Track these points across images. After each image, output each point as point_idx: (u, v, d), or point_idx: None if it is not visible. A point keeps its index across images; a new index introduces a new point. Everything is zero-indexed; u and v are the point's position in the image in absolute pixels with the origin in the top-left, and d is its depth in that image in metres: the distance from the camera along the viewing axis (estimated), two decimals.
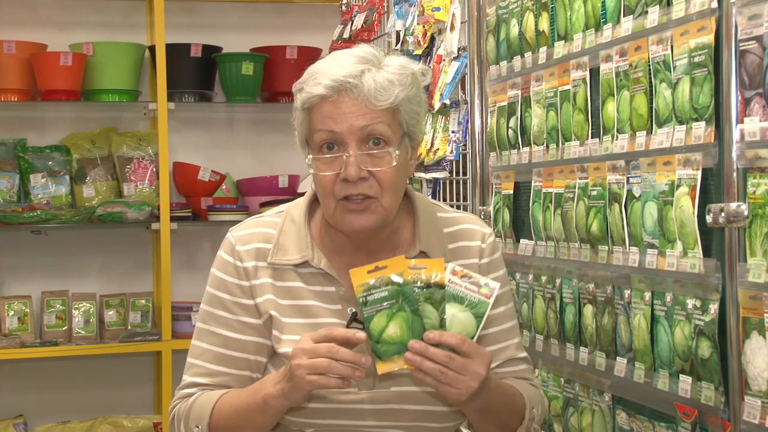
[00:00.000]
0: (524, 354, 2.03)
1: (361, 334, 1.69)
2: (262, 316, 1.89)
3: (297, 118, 1.88)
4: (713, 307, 1.93)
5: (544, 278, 2.62)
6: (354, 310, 1.87)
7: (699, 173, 1.96)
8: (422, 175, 3.22)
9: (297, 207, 1.96)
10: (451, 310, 1.73)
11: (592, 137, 2.38)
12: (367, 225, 1.83)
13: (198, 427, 1.85)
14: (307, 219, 1.94)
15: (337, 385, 1.69)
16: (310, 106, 1.83)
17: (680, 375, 2.03)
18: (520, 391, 1.93)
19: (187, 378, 1.93)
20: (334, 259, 1.91)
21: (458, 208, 3.24)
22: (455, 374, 1.68)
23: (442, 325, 1.72)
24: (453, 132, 3.04)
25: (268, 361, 1.92)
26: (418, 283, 1.72)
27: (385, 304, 1.70)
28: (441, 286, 1.72)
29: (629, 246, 2.20)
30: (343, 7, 4.22)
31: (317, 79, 1.82)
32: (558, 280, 2.54)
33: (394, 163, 1.82)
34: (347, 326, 1.84)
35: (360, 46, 1.89)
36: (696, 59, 1.97)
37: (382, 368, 1.71)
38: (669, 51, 2.06)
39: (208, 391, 1.90)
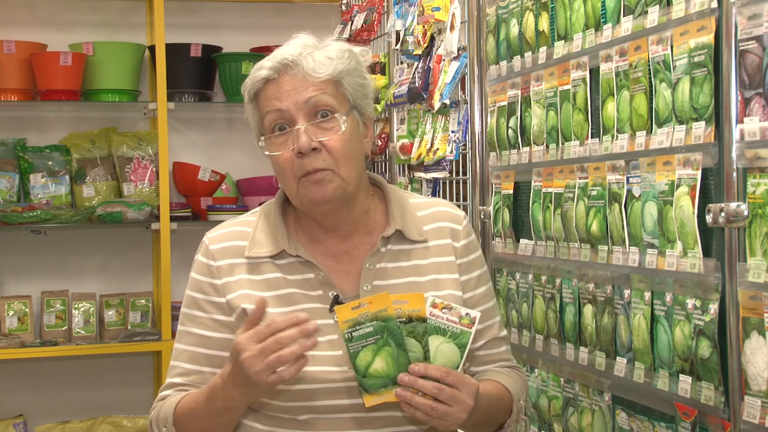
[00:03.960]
0: (504, 333, 2.05)
1: (303, 316, 1.69)
2: (234, 312, 1.89)
3: (248, 114, 1.93)
4: (713, 307, 1.94)
5: (543, 278, 2.62)
6: (336, 293, 1.89)
7: (699, 173, 1.96)
8: (422, 175, 3.23)
9: (270, 204, 1.99)
10: (435, 342, 1.76)
11: (591, 137, 2.38)
12: (327, 194, 1.84)
13: (165, 427, 1.88)
14: (281, 213, 1.96)
15: (299, 366, 1.70)
16: (256, 92, 1.88)
17: (680, 375, 2.03)
18: (506, 388, 1.95)
19: (167, 380, 1.96)
20: (310, 247, 1.93)
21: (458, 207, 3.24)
22: (445, 407, 1.72)
23: (426, 357, 1.75)
24: (453, 132, 3.04)
25: None
26: (401, 318, 1.75)
27: (371, 339, 1.74)
28: (423, 319, 1.76)
29: (629, 246, 2.20)
30: (343, 7, 4.23)
31: (259, 65, 1.88)
32: (558, 280, 2.54)
33: (343, 128, 1.84)
34: (330, 309, 1.87)
35: (301, 35, 1.92)
36: (696, 59, 1.97)
37: (369, 401, 1.75)
38: (669, 51, 2.07)
39: (178, 394, 1.91)
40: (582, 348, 2.43)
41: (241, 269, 1.91)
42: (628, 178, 2.21)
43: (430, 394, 1.72)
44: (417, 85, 3.21)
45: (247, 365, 1.69)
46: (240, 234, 1.94)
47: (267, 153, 1.88)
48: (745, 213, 1.82)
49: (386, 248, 1.94)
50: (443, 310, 1.77)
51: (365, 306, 1.74)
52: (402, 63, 3.44)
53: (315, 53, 1.86)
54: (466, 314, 1.78)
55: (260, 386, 1.72)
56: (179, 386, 1.93)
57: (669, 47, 2.06)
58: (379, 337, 1.73)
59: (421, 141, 3.24)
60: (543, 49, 2.61)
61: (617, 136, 2.25)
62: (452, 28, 3.01)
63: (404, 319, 1.75)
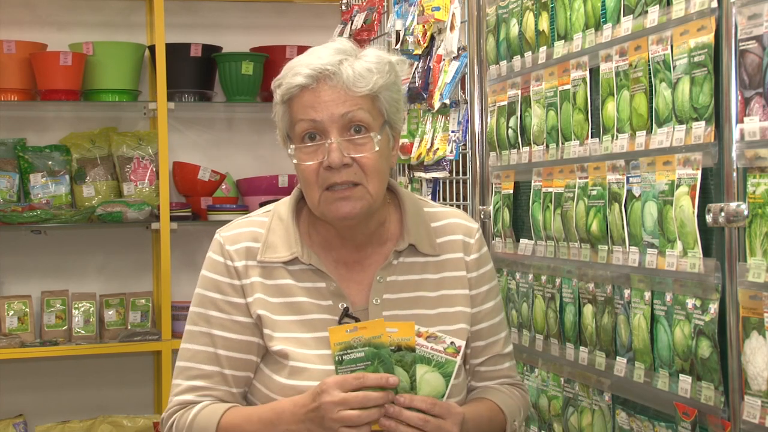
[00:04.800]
0: (510, 348, 2.04)
1: (394, 379, 1.70)
2: (253, 316, 1.88)
3: (277, 113, 1.89)
4: (713, 307, 1.94)
5: (543, 278, 2.62)
6: (346, 305, 1.88)
7: (699, 173, 1.97)
8: (422, 174, 3.23)
9: (284, 205, 1.96)
10: (420, 371, 1.75)
11: (591, 137, 2.38)
12: (354, 211, 1.84)
13: None
14: (295, 216, 1.94)
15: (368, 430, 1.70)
16: (290, 97, 1.84)
17: (680, 375, 2.04)
18: (499, 408, 1.94)
19: (182, 383, 1.91)
20: (322, 255, 1.92)
21: (458, 207, 3.24)
22: None
23: (413, 387, 1.74)
24: (453, 132, 3.04)
25: (261, 361, 1.91)
26: (391, 346, 1.74)
27: (360, 364, 1.72)
28: (411, 349, 1.74)
29: (629, 246, 2.20)
30: (343, 7, 4.22)
31: (296, 70, 1.84)
32: (558, 280, 2.54)
33: (377, 149, 1.83)
34: (339, 322, 1.86)
35: (338, 39, 1.90)
36: (696, 59, 1.97)
37: None
38: (669, 51, 2.07)
39: (209, 404, 1.87)
40: (582, 348, 2.43)
41: (254, 272, 1.90)
42: (628, 178, 2.21)
43: (415, 426, 1.70)
44: (417, 84, 3.21)
45: (326, 409, 1.69)
46: (253, 235, 1.92)
47: (295, 161, 1.85)
48: (745, 213, 1.82)
49: (398, 261, 1.93)
50: (428, 339, 1.76)
51: (360, 330, 1.72)
52: None
53: (355, 63, 1.83)
54: (451, 343, 1.76)
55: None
56: (202, 390, 1.89)
57: (669, 47, 2.06)
58: (369, 363, 1.72)
59: (421, 141, 3.24)
60: (543, 49, 2.61)
61: (617, 136, 2.25)
62: (452, 27, 3.01)
63: (393, 348, 1.74)
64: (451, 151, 3.03)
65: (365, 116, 1.83)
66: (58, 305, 4.39)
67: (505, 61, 2.83)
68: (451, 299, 1.93)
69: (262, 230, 1.93)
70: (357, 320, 1.87)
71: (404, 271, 1.93)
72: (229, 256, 1.91)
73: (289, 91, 1.84)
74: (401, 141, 3.43)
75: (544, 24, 2.60)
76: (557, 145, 2.53)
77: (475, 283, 1.97)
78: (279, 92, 1.87)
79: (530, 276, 2.70)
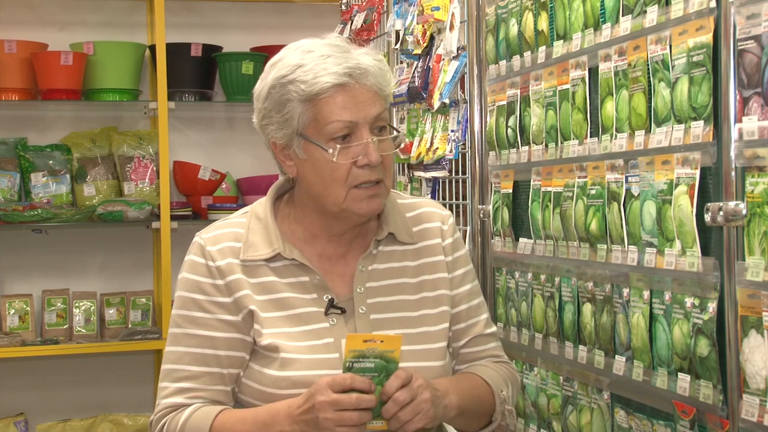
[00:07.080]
0: (492, 329, 2.06)
1: (374, 388, 1.74)
2: (241, 312, 1.88)
3: (290, 111, 1.86)
4: (711, 306, 1.94)
5: (543, 277, 2.63)
6: (331, 297, 1.90)
7: (697, 172, 1.97)
8: (422, 174, 3.23)
9: (261, 205, 1.98)
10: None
11: (590, 136, 2.39)
12: (379, 207, 1.90)
13: None
14: (273, 215, 1.95)
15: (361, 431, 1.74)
16: (314, 97, 1.83)
17: (679, 373, 2.04)
18: (482, 379, 1.96)
19: (169, 385, 1.89)
20: (305, 250, 1.93)
21: (457, 207, 3.24)
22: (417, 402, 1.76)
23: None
24: (452, 131, 3.05)
25: (249, 359, 1.90)
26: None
27: (368, 375, 1.75)
28: (395, 361, 1.76)
29: (628, 245, 2.21)
30: (343, 7, 4.23)
31: (327, 69, 1.82)
32: (557, 279, 2.55)
33: (395, 144, 1.90)
34: (326, 313, 1.89)
35: (331, 36, 1.91)
36: (694, 58, 1.98)
37: None
38: (668, 50, 2.07)
39: (201, 407, 1.86)
40: (581, 346, 2.43)
41: (238, 269, 1.90)
42: (627, 177, 2.22)
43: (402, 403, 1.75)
44: (416, 84, 3.22)
45: (320, 408, 1.72)
46: (234, 235, 1.93)
47: (333, 160, 1.83)
48: (744, 212, 1.83)
49: (378, 250, 1.96)
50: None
51: (377, 342, 1.75)
52: (402, 62, 3.45)
53: (379, 64, 1.87)
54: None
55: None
56: (191, 392, 1.88)
57: (668, 47, 2.07)
58: (376, 375, 1.75)
59: (420, 140, 3.25)
60: (542, 49, 2.61)
61: (616, 136, 2.25)
62: (452, 27, 3.01)
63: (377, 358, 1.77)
64: (451, 151, 3.04)
65: (386, 115, 1.89)
66: (59, 304, 4.40)
67: (505, 60, 2.84)
68: (432, 284, 1.97)
69: (242, 230, 1.93)
70: (343, 311, 1.90)
71: (385, 260, 1.96)
72: (210, 257, 1.91)
73: (322, 90, 1.82)
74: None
75: (543, 24, 2.61)
76: (556, 144, 2.54)
77: (452, 266, 2.00)
78: (296, 90, 1.83)
79: (529, 275, 2.71)
